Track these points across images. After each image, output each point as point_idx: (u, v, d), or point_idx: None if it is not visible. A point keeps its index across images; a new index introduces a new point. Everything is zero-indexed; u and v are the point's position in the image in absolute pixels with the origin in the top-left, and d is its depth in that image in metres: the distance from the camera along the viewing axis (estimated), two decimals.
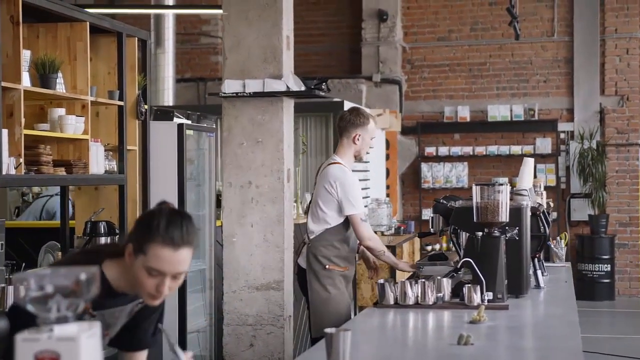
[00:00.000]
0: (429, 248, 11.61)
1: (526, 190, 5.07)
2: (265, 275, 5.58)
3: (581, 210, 12.54)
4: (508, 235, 4.45)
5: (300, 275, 5.29)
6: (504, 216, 4.36)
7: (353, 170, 5.37)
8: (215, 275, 6.84)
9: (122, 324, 2.74)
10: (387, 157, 12.32)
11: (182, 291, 6.30)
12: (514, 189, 5.13)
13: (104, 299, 2.56)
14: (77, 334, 1.70)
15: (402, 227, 10.68)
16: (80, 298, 1.74)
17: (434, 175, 12.89)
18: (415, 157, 12.99)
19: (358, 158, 5.29)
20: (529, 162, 5.53)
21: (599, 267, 12.19)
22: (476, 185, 4.40)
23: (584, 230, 12.58)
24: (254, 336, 5.60)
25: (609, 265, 12.22)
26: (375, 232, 9.97)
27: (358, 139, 5.18)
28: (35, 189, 9.01)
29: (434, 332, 3.86)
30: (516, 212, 4.52)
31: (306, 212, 8.33)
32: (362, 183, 9.89)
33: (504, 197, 4.35)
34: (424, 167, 12.91)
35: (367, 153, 5.37)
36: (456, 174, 12.82)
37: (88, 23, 5.20)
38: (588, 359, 8.38)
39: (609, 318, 11.50)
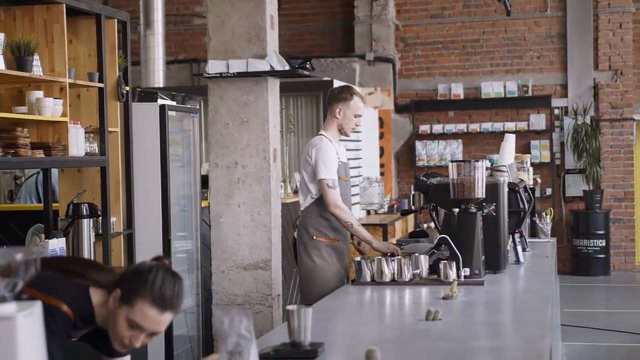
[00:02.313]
0: (425, 226, 11.62)
1: (505, 166, 5.07)
2: (253, 255, 5.60)
3: (576, 186, 12.54)
4: (485, 211, 4.47)
5: (295, 247, 5.41)
6: (480, 192, 4.37)
7: (347, 149, 5.50)
8: (202, 256, 6.86)
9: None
10: (382, 135, 12.31)
11: None
12: (494, 165, 5.14)
13: (83, 323, 2.64)
14: (14, 314, 1.71)
15: (395, 206, 10.72)
16: (18, 278, 1.75)
17: (429, 153, 12.89)
18: (410, 135, 12.98)
19: (342, 133, 5.35)
20: (510, 138, 5.52)
21: (594, 242, 12.21)
22: (452, 162, 4.41)
23: (579, 206, 12.59)
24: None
25: (604, 240, 12.23)
26: (368, 211, 10.11)
27: (339, 113, 5.28)
28: (27, 172, 9.01)
29: (405, 308, 3.88)
30: (493, 188, 4.53)
31: (296, 191, 8.40)
32: (354, 162, 9.91)
33: (480, 174, 4.36)
34: (419, 145, 12.90)
35: (354, 130, 5.41)
36: (450, 152, 12.82)
37: (64, 5, 5.18)
38: (584, 334, 8.44)
39: (605, 293, 11.52)
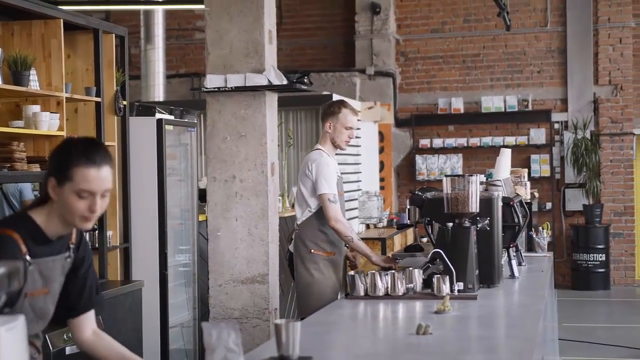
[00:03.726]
0: (425, 240, 11.59)
1: (500, 180, 5.08)
2: (250, 269, 5.60)
3: (576, 200, 12.54)
4: (479, 225, 4.47)
5: (290, 261, 5.45)
6: (474, 207, 4.38)
7: (342, 163, 5.56)
8: (200, 269, 6.87)
9: (59, 282, 2.83)
10: (382, 149, 12.33)
11: (163, 285, 6.34)
12: (489, 179, 5.15)
13: (38, 246, 2.71)
14: None
15: (395, 220, 10.71)
16: (1, 291, 1.76)
17: (429, 167, 12.90)
18: (410, 150, 13.00)
19: (336, 146, 5.42)
20: (506, 153, 5.54)
21: (594, 256, 12.19)
22: (446, 176, 4.43)
23: (579, 220, 12.58)
24: (240, 329, 5.61)
25: (603, 254, 12.22)
26: (368, 225, 10.11)
27: (330, 127, 5.37)
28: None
29: (397, 322, 3.88)
30: (487, 203, 4.54)
31: (294, 205, 8.41)
32: (353, 176, 9.92)
33: (474, 188, 4.37)
34: (419, 159, 12.92)
35: (348, 142, 5.44)
36: (451, 166, 12.83)
37: (62, 20, 5.22)
38: (583, 349, 8.42)
39: (605, 307, 11.50)
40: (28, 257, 2.65)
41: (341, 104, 5.47)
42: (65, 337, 4.41)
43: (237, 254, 5.60)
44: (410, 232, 10.88)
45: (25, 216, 2.74)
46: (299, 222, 5.36)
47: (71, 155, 2.67)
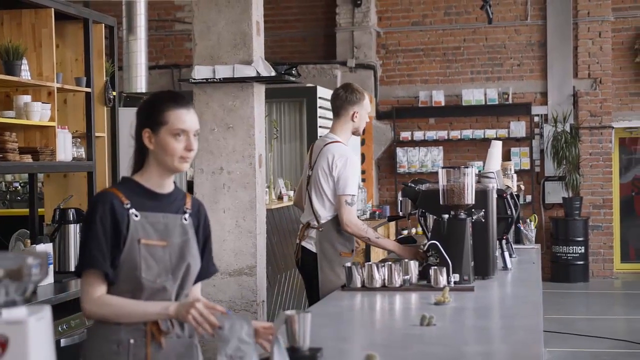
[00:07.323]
0: (405, 232, 11.64)
1: (493, 172, 5.11)
2: (238, 261, 5.60)
3: (555, 193, 12.64)
4: (474, 217, 4.49)
5: (307, 259, 5.05)
6: (469, 199, 4.39)
7: None
8: None
9: (183, 240, 2.91)
10: (363, 142, 12.34)
11: None
12: (481, 171, 5.17)
13: (143, 200, 2.87)
14: (26, 318, 1.70)
15: (377, 212, 10.74)
16: (28, 282, 1.74)
17: (410, 159, 12.93)
18: (391, 142, 13.02)
19: (356, 134, 5.13)
20: (497, 145, 5.56)
21: (573, 249, 12.30)
22: (442, 168, 4.44)
23: (558, 213, 12.68)
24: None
25: (582, 247, 12.33)
26: None
27: (356, 117, 5.03)
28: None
29: (398, 313, 3.89)
30: (482, 195, 4.56)
31: (280, 197, 8.39)
32: None
33: (469, 180, 4.38)
34: (400, 151, 12.94)
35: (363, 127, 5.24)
36: (431, 159, 12.87)
37: (53, 9, 5.17)
38: (563, 340, 8.50)
39: (584, 299, 11.60)
40: (133, 209, 2.83)
41: (360, 89, 5.12)
42: (60, 328, 4.37)
43: (224, 246, 5.60)
44: (392, 224, 10.91)
45: (126, 178, 2.94)
46: (322, 221, 4.96)
47: (160, 102, 2.88)
